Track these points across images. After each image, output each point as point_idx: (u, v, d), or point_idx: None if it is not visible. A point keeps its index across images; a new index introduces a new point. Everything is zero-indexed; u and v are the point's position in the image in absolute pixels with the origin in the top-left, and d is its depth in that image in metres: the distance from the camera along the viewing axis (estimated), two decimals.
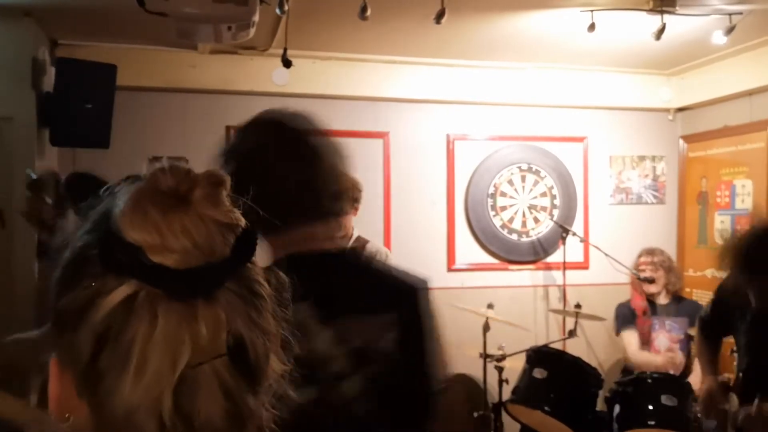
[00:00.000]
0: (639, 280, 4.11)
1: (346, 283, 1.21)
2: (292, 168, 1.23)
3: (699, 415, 2.97)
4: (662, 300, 4.08)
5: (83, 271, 0.57)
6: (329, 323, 1.13)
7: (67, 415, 0.59)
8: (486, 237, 4.56)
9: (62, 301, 0.58)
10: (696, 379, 3.69)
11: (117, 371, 0.54)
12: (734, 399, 2.71)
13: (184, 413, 0.54)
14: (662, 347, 3.98)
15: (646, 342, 4.03)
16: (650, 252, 4.19)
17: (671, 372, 3.79)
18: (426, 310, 1.30)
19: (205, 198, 0.57)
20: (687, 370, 3.92)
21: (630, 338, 4.11)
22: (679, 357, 3.94)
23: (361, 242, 3.46)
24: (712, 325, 2.91)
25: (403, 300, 1.26)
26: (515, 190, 4.61)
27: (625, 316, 4.14)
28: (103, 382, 0.54)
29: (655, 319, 4.03)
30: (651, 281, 4.03)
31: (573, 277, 4.56)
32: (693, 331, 3.94)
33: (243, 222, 0.59)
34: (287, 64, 3.42)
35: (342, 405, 1.12)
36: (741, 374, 2.65)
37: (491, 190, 4.56)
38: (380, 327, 1.18)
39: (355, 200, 3.29)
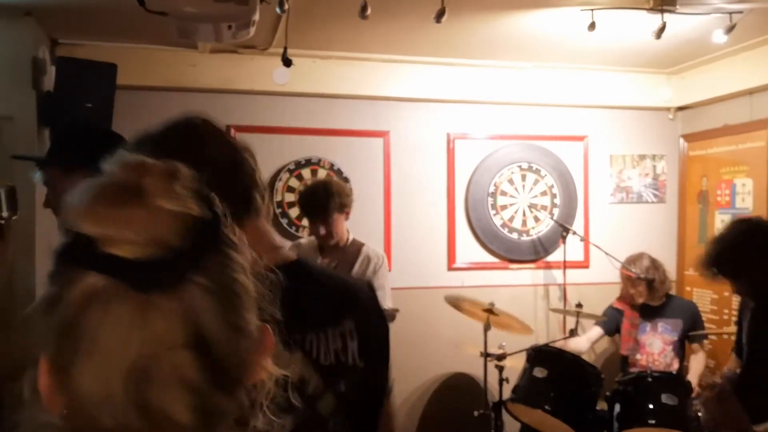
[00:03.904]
0: (627, 275, 4.05)
1: (304, 296, 1.14)
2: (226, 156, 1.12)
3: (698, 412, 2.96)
4: (654, 302, 4.04)
5: (57, 267, 0.58)
6: (295, 345, 1.08)
7: (63, 410, 0.59)
8: (486, 236, 4.56)
9: (44, 296, 0.59)
10: (693, 380, 3.70)
11: (74, 360, 0.55)
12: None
13: (136, 402, 0.54)
14: (655, 350, 3.96)
15: (635, 344, 4.00)
16: (631, 262, 4.04)
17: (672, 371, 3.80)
18: (376, 311, 1.28)
19: (157, 188, 0.57)
20: (681, 372, 3.88)
21: (590, 332, 4.16)
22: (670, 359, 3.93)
23: (357, 245, 3.45)
24: (737, 347, 2.92)
25: (356, 305, 1.24)
26: (515, 189, 4.61)
27: (609, 319, 4.13)
28: (66, 371, 0.55)
29: (647, 323, 3.99)
30: (644, 280, 3.97)
31: (573, 276, 4.56)
32: (690, 333, 3.94)
33: (197, 212, 0.58)
34: (288, 63, 3.41)
35: (320, 425, 1.11)
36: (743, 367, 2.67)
37: (491, 189, 4.56)
38: (342, 338, 1.16)
39: (344, 205, 3.29)
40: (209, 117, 1.17)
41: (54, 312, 0.56)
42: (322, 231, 3.28)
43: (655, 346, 3.95)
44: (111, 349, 0.54)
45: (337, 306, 1.20)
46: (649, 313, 4.00)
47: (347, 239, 3.42)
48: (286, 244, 3.70)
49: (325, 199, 3.25)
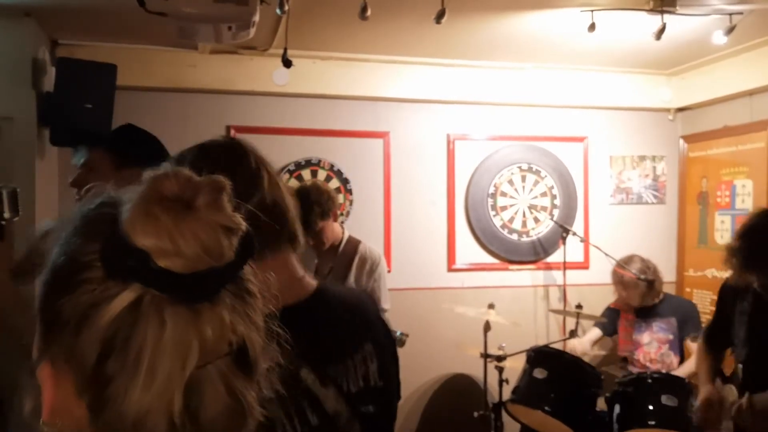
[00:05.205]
0: (621, 274, 4.04)
1: (329, 328, 1.16)
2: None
3: (695, 424, 2.94)
4: (649, 302, 4.01)
5: (80, 276, 0.57)
6: (329, 379, 1.09)
7: (57, 422, 0.58)
8: (486, 237, 4.56)
9: (58, 305, 0.57)
10: (683, 372, 3.70)
11: (127, 376, 0.54)
12: (732, 390, 2.72)
13: (191, 412, 0.55)
14: (652, 349, 3.95)
15: (633, 345, 3.99)
16: (624, 264, 4.02)
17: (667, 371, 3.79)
18: (383, 326, 1.30)
19: (210, 203, 0.58)
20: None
21: (589, 333, 4.19)
22: (671, 359, 3.93)
23: (352, 245, 3.44)
24: (715, 335, 2.90)
25: (371, 326, 1.25)
26: (515, 190, 4.61)
27: (607, 320, 4.12)
28: (110, 386, 0.55)
29: (642, 323, 3.98)
30: (643, 281, 3.96)
31: (573, 277, 4.56)
32: (683, 332, 3.93)
33: (244, 226, 0.59)
34: (287, 64, 3.41)
35: None
36: (741, 365, 2.65)
37: (491, 189, 4.56)
38: (364, 363, 1.17)
39: (327, 210, 3.27)
40: (241, 140, 1.19)
41: (87, 323, 0.55)
42: (310, 242, 3.27)
43: (652, 345, 3.95)
44: (171, 364, 0.54)
45: (357, 332, 1.20)
46: (644, 313, 3.99)
47: (341, 238, 3.40)
48: None
49: (304, 212, 3.21)
